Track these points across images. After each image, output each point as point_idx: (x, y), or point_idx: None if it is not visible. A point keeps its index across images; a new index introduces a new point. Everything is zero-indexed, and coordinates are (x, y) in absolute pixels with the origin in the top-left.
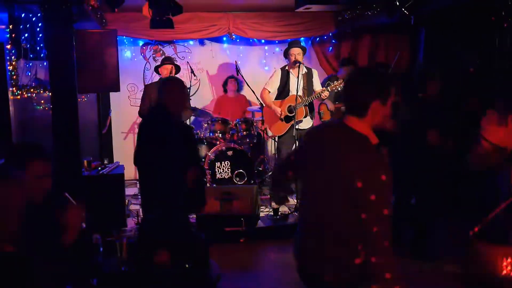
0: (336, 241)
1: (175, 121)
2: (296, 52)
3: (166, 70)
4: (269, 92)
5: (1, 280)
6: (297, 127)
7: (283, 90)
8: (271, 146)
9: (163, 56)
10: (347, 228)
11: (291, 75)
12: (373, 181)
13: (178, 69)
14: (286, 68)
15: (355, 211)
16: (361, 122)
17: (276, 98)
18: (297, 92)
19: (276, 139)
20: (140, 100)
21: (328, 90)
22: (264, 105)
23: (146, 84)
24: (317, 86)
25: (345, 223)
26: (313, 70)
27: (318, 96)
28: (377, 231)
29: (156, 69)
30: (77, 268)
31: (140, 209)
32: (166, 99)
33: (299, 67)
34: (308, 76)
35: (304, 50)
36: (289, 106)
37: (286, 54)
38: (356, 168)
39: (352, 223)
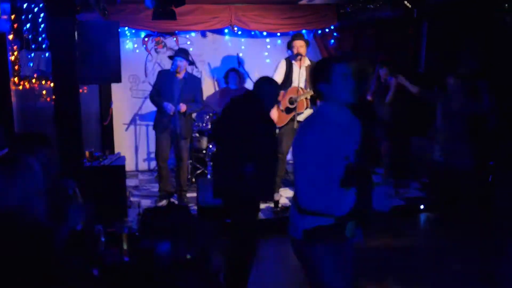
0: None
1: (267, 117)
2: (299, 44)
3: (182, 62)
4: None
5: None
6: (298, 118)
7: (286, 81)
8: None
9: (178, 48)
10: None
11: (294, 67)
12: (303, 145)
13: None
14: (289, 59)
15: None
16: (326, 104)
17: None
18: (298, 84)
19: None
20: (153, 84)
21: None
22: None
23: (160, 70)
24: None
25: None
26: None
27: None
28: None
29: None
30: (79, 258)
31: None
32: (265, 98)
33: (300, 60)
34: (308, 69)
35: (307, 43)
36: (290, 97)
37: (290, 46)
38: (297, 137)
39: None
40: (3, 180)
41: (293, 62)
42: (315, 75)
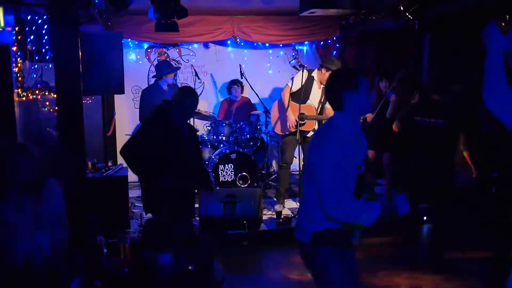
0: (304, 212)
1: (177, 125)
2: (326, 77)
3: (172, 74)
4: (291, 90)
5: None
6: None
7: (302, 95)
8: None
9: (162, 62)
10: (309, 200)
11: (315, 83)
12: (321, 155)
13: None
14: (313, 74)
15: (313, 184)
16: (341, 113)
17: (293, 100)
18: (317, 105)
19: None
20: (140, 105)
21: None
22: (281, 104)
23: (143, 89)
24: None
25: (308, 196)
26: None
27: None
28: (329, 198)
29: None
30: (81, 269)
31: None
32: (178, 109)
33: (303, 70)
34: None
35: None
36: (302, 114)
37: (323, 67)
38: (312, 147)
39: (311, 196)
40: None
41: (316, 80)
42: (342, 83)
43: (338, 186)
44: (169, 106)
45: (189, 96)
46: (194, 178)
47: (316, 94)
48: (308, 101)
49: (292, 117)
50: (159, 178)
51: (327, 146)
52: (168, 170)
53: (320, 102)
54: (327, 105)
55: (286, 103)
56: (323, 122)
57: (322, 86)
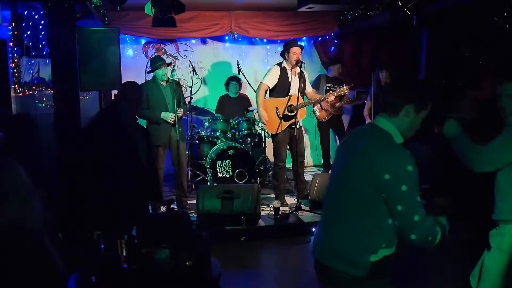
0: (352, 237)
1: (124, 123)
2: (298, 51)
3: (166, 69)
4: (268, 87)
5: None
6: (293, 126)
7: (282, 88)
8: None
9: (154, 57)
10: (368, 224)
11: (289, 73)
12: (400, 173)
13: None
14: (284, 65)
15: (385, 205)
16: (388, 121)
17: (273, 95)
18: (298, 92)
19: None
20: None
21: (334, 95)
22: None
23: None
24: (308, 87)
25: (367, 219)
26: (304, 71)
27: (323, 99)
28: (419, 218)
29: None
30: (78, 264)
31: None
32: (125, 103)
33: (300, 66)
34: (302, 76)
35: (302, 49)
36: (290, 105)
37: (286, 53)
38: (382, 163)
39: (373, 219)
40: None
41: (288, 69)
42: (415, 94)
43: (419, 204)
44: (116, 103)
45: (131, 90)
46: (140, 184)
47: (295, 82)
48: (291, 92)
49: (263, 113)
50: (96, 178)
51: (404, 161)
52: (108, 170)
53: (300, 89)
54: (308, 89)
55: (260, 101)
56: (313, 104)
57: (298, 72)
